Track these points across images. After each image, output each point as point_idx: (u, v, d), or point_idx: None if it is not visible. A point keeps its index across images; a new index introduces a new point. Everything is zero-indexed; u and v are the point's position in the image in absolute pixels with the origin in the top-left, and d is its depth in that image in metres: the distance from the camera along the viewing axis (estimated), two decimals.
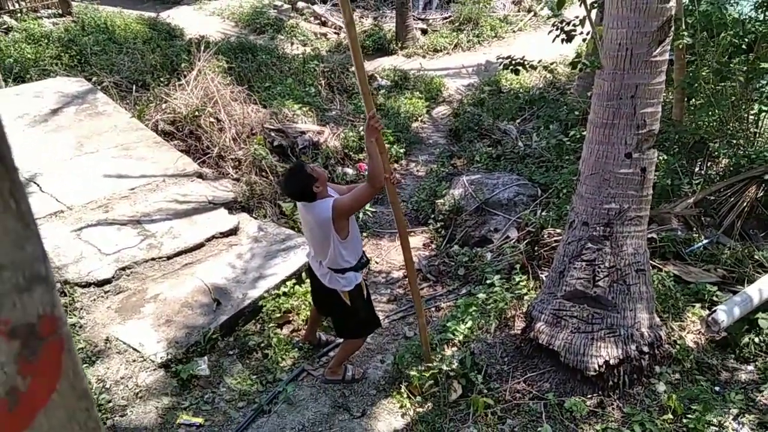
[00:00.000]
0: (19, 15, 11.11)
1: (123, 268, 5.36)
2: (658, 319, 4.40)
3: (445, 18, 14.64)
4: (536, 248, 5.80)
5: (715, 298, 4.83)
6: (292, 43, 12.53)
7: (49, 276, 0.65)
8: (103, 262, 5.36)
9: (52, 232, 5.67)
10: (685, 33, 6.17)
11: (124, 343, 4.67)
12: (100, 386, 4.30)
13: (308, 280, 4.82)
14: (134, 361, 4.54)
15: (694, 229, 5.76)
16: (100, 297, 5.10)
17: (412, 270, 4.28)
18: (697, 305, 4.84)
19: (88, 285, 5.14)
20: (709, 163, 6.66)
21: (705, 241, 5.54)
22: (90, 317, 4.89)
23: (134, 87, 8.96)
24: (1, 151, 0.60)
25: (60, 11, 11.74)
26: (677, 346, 4.46)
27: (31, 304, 0.64)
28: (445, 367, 4.34)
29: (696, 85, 6.49)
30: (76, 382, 0.70)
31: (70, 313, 4.85)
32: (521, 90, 10.65)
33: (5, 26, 10.47)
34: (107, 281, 5.22)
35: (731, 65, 6.19)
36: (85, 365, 4.40)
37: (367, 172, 4.09)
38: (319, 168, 4.19)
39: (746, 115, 6.59)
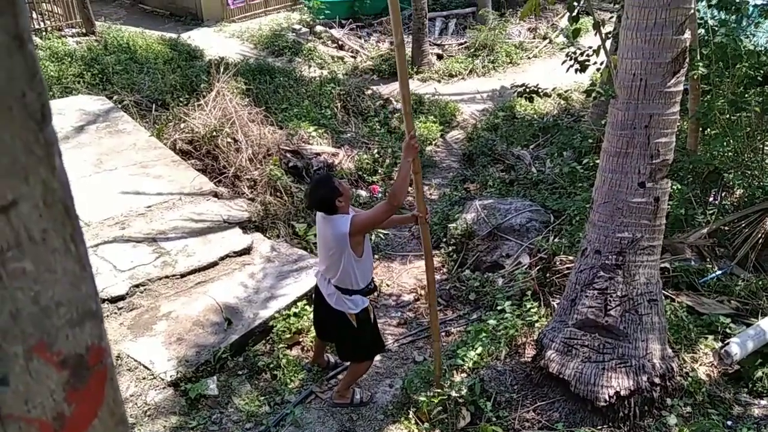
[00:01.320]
0: (44, 33, 11.41)
1: (137, 285, 5.42)
2: (670, 351, 4.37)
3: (461, 44, 14.78)
4: (548, 275, 5.79)
5: (728, 330, 4.78)
6: (310, 66, 12.70)
7: (98, 311, 0.71)
8: (117, 279, 5.43)
9: None
10: (700, 63, 6.20)
11: (135, 361, 4.70)
12: None
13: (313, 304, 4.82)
14: (144, 378, 4.57)
15: (708, 259, 5.72)
16: (113, 313, 5.16)
17: (433, 294, 4.32)
18: (710, 337, 4.79)
19: (102, 301, 5.18)
20: (723, 194, 6.62)
21: (719, 272, 5.50)
22: None
23: (154, 106, 9.13)
24: (66, 203, 0.67)
25: (84, 30, 12.04)
26: (689, 379, 4.41)
27: (82, 337, 0.69)
28: (454, 394, 4.32)
29: (711, 115, 6.49)
30: (115, 409, 0.74)
31: None
32: (535, 116, 10.69)
33: None
34: (121, 298, 5.28)
35: (746, 96, 6.20)
36: None
37: (388, 190, 4.15)
38: (346, 184, 4.26)
39: (761, 146, 6.58)
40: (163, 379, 4.55)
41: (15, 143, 0.61)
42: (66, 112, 8.41)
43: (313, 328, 5.28)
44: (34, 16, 11.57)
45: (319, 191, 4.02)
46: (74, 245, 0.68)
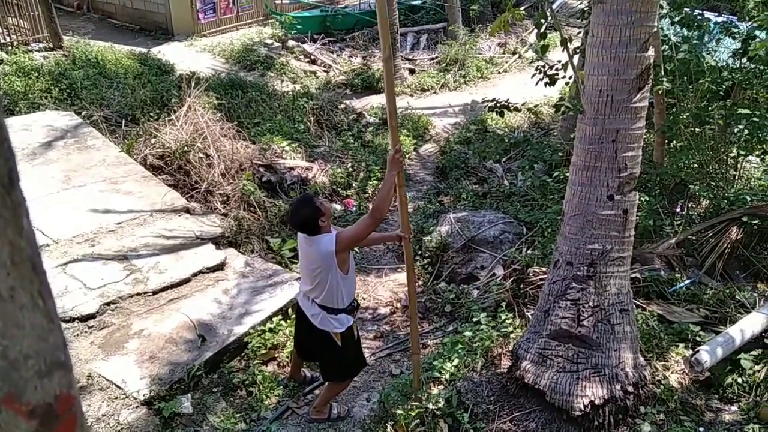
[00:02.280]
0: (9, 48, 11.20)
1: (108, 303, 5.32)
2: (642, 359, 4.44)
3: (432, 59, 14.96)
4: (522, 286, 5.85)
5: (698, 338, 4.89)
6: (282, 80, 12.71)
7: (67, 361, 0.73)
8: (87, 297, 5.32)
9: None
10: (665, 79, 6.38)
11: (107, 380, 4.60)
12: None
13: (294, 320, 4.78)
14: (116, 398, 4.47)
15: (677, 269, 5.85)
16: (84, 332, 5.05)
17: (414, 308, 4.34)
18: (681, 345, 4.89)
19: (72, 320, 5.09)
20: (690, 205, 6.80)
21: (687, 282, 5.63)
22: (73, 353, 4.83)
23: (124, 121, 9.02)
24: (34, 260, 0.69)
25: (51, 45, 11.86)
26: (661, 386, 4.49)
27: (50, 387, 0.70)
28: (431, 406, 4.32)
29: (676, 128, 6.68)
30: None
31: None
32: (506, 130, 10.86)
33: None
34: (91, 316, 5.17)
35: (710, 110, 6.39)
36: None
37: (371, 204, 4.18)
38: (327, 203, 4.25)
39: (725, 158, 6.78)
40: (135, 398, 4.46)
41: None
42: (33, 128, 8.26)
43: (289, 343, 5.25)
44: (0, 30, 11.36)
45: (301, 212, 4.00)
46: (42, 300, 0.70)
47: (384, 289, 6.64)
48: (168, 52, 12.98)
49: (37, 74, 9.92)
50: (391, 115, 3.67)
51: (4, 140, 0.66)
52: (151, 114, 9.18)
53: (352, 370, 4.56)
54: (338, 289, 4.09)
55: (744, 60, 6.27)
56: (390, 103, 3.62)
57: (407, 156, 10.27)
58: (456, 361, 4.80)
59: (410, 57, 15.05)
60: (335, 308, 4.17)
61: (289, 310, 5.60)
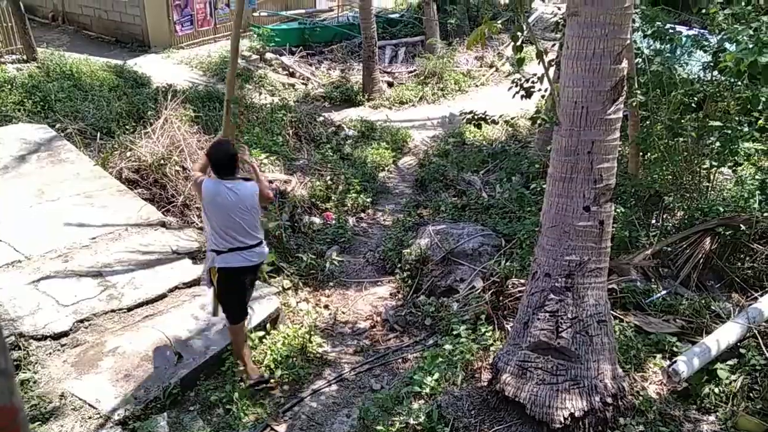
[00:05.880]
0: None
1: (81, 321, 5.21)
2: (620, 370, 4.46)
3: (411, 72, 15.05)
4: (501, 298, 5.86)
5: (675, 349, 4.93)
6: (260, 93, 12.66)
7: (8, 367, 0.66)
8: (60, 314, 5.20)
9: (9, 282, 5.50)
10: (639, 91, 6.49)
11: (80, 399, 4.49)
12: None
13: (236, 288, 4.88)
14: (90, 418, 4.36)
15: (653, 279, 5.91)
16: (57, 350, 4.93)
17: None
18: (658, 356, 4.93)
19: (44, 338, 4.96)
20: (665, 216, 6.89)
21: (663, 292, 5.68)
22: (45, 372, 4.71)
23: (99, 134, 8.89)
24: None
25: (25, 57, 11.69)
26: (640, 397, 4.51)
27: None
28: (412, 421, 4.28)
29: (650, 140, 6.77)
30: None
31: (24, 367, 4.66)
32: (484, 142, 10.93)
33: None
34: (64, 334, 5.05)
35: (683, 122, 6.50)
36: (37, 423, 4.22)
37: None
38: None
39: (698, 170, 6.89)
40: (110, 418, 4.36)
41: None
42: (5, 141, 8.11)
43: (266, 358, 5.18)
44: None
45: (226, 152, 4.62)
46: None
47: (364, 303, 6.60)
48: (144, 65, 12.87)
49: (9, 86, 9.75)
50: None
51: None
52: (127, 127, 9.06)
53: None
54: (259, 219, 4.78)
55: (715, 72, 6.40)
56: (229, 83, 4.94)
57: (386, 169, 10.29)
58: (436, 375, 4.77)
59: (389, 70, 15.13)
60: (261, 240, 4.80)
61: (268, 326, 5.54)
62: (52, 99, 9.67)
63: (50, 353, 4.90)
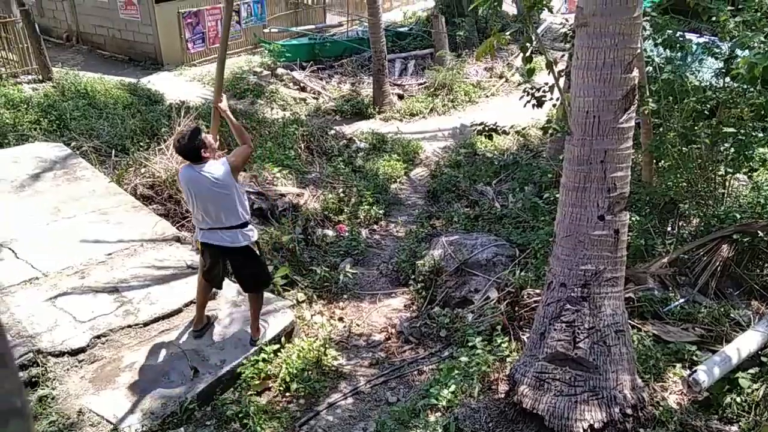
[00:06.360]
0: None
1: (98, 336, 5.24)
2: (640, 381, 4.41)
3: (420, 84, 15.10)
4: (516, 309, 5.83)
5: (695, 358, 4.87)
6: (272, 108, 12.77)
7: (24, 408, 0.68)
8: (77, 330, 5.24)
9: (26, 299, 5.55)
10: (650, 99, 6.46)
11: (98, 415, 4.51)
12: None
13: (208, 262, 5.11)
14: None
15: (670, 288, 5.85)
16: (74, 366, 4.96)
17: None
18: (678, 365, 4.86)
19: (61, 354, 5.00)
20: (680, 223, 6.83)
21: (681, 300, 5.62)
22: (63, 388, 4.74)
23: (113, 152, 9.01)
24: None
25: (40, 77, 11.89)
26: (660, 408, 4.45)
27: None
28: None
29: (663, 148, 6.73)
30: None
31: (42, 384, 4.70)
32: (496, 152, 10.92)
33: None
34: (82, 350, 5.08)
35: (696, 129, 6.46)
36: None
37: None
38: (210, 137, 4.81)
39: (713, 176, 6.83)
40: None
41: None
42: (22, 159, 8.22)
43: (282, 371, 5.18)
44: None
45: (188, 141, 4.56)
46: None
47: (378, 315, 6.59)
48: (157, 82, 13.04)
49: (26, 106, 9.92)
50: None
51: None
52: (141, 144, 9.18)
53: (269, 275, 5.46)
54: (242, 202, 4.78)
55: (727, 79, 6.36)
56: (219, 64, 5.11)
57: (398, 180, 10.32)
58: (453, 387, 4.75)
59: (398, 82, 15.19)
60: (245, 221, 4.83)
61: (283, 339, 5.55)
62: (67, 117, 9.82)
63: (68, 369, 4.93)
